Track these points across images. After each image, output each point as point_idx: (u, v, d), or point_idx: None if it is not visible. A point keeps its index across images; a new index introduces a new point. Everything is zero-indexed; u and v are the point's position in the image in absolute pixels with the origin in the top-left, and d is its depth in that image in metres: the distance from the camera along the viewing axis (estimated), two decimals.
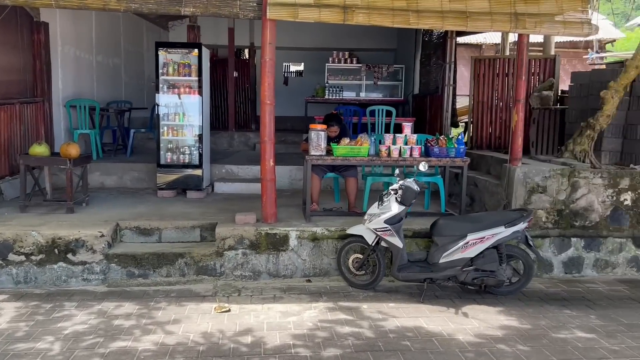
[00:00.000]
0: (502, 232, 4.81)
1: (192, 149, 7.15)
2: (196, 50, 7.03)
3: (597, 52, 13.91)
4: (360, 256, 5.19)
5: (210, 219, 5.87)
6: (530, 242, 4.95)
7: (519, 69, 5.67)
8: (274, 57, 5.38)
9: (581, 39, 10.32)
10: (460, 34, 8.74)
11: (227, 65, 11.09)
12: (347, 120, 9.09)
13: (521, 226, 4.85)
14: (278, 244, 5.38)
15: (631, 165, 6.09)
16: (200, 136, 7.08)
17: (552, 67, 8.22)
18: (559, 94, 8.28)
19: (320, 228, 5.47)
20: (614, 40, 16.61)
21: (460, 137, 5.88)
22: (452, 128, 8.55)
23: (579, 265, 5.79)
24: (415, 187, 4.86)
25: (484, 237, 4.82)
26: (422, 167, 5.08)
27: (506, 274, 4.99)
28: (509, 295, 5.05)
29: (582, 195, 5.72)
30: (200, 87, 7.03)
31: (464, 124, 9.59)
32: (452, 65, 8.31)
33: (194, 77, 7.03)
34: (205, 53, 7.21)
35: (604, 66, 11.18)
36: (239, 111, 12.12)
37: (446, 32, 8.56)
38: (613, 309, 4.79)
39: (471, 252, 4.85)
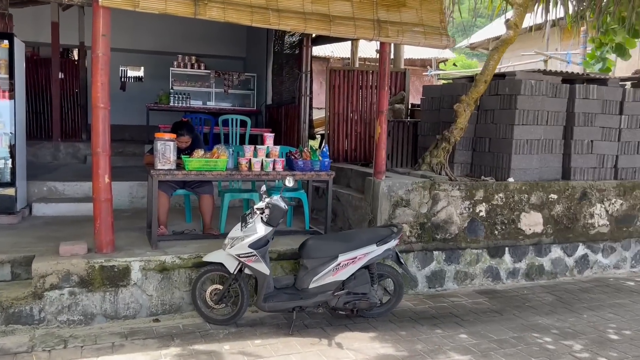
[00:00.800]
0: (374, 251, 4.49)
1: (2, 162, 5.76)
2: (6, 42, 5.69)
3: (434, 69, 14.95)
4: (220, 287, 4.47)
5: (25, 250, 4.66)
6: (401, 260, 4.71)
7: (381, 80, 5.48)
8: (109, 52, 4.44)
9: (439, 50, 10.77)
10: (316, 42, 8.50)
11: (51, 66, 9.49)
12: (197, 130, 8.25)
13: (392, 243, 4.57)
14: (117, 278, 4.42)
15: (483, 177, 6.27)
16: (12, 147, 5.74)
17: (402, 80, 8.37)
18: (409, 107, 8.45)
19: (170, 256, 4.62)
20: (447, 60, 18.15)
21: (324, 149, 5.50)
22: (310, 140, 8.23)
23: (441, 278, 5.75)
24: (283, 205, 4.31)
25: (355, 257, 4.44)
26: (289, 182, 4.56)
27: (378, 295, 4.68)
28: (380, 317, 4.75)
29: (442, 207, 5.70)
30: (12, 88, 5.69)
31: (319, 135, 9.36)
32: (309, 75, 8.01)
33: (4, 75, 5.69)
34: (19, 47, 5.90)
35: (440, 82, 11.93)
36: (66, 118, 10.47)
37: (301, 40, 8.24)
38: (481, 325, 4.73)
39: (343, 275, 4.44)
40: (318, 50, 15.45)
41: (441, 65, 17.55)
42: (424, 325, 4.66)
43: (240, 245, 4.24)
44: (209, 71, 10.91)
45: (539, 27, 9.61)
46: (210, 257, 4.45)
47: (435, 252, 5.70)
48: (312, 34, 8.14)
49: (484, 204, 5.88)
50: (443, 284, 5.75)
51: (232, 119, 8.01)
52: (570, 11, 7.41)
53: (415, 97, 11.28)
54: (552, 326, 4.73)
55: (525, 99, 6.09)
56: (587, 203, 6.40)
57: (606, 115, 6.62)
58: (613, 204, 6.56)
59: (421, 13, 5.37)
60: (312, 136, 8.42)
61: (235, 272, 4.34)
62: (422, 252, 5.63)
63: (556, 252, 6.31)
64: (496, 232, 5.97)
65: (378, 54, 5.54)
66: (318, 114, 10.18)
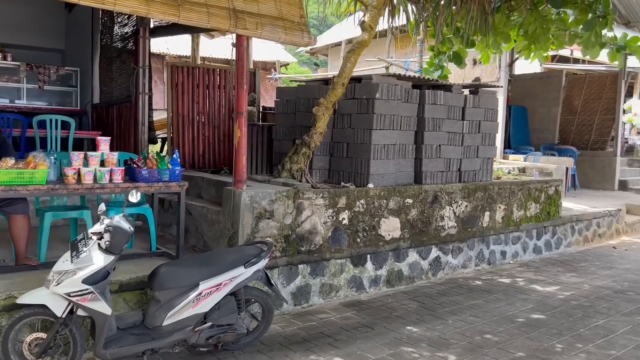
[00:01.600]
0: (242, 274, 3.87)
1: None
2: None
3: (278, 73, 14.70)
4: (44, 335, 3.46)
5: None
6: (272, 281, 4.16)
7: (239, 77, 4.87)
8: None
9: (283, 52, 10.37)
10: (154, 34, 7.53)
11: None
12: (4, 134, 6.73)
13: (262, 264, 4.01)
14: None
15: (342, 183, 6.03)
16: None
17: (252, 81, 7.84)
18: (261, 110, 7.95)
19: None
20: (288, 64, 18.09)
21: (175, 155, 4.70)
22: (150, 144, 7.25)
23: (307, 294, 5.34)
24: (128, 227, 3.46)
25: (220, 284, 3.78)
26: (134, 197, 3.70)
27: (245, 323, 4.07)
28: (247, 347, 4.15)
29: (307, 217, 5.30)
30: None
31: (161, 140, 8.37)
32: (147, 70, 7.03)
33: None
34: None
35: (282, 85, 11.68)
36: None
37: (136, 31, 7.22)
38: (355, 343, 4.40)
39: (205, 305, 3.74)
40: (152, 46, 14.17)
41: (283, 69, 17.47)
42: (297, 351, 4.18)
43: (71, 280, 3.30)
44: (17, 63, 9.13)
45: (383, 34, 9.88)
46: (29, 298, 3.41)
47: (301, 266, 5.27)
48: (149, 24, 7.18)
49: (346, 211, 5.62)
50: (309, 299, 5.35)
51: (50, 120, 6.69)
52: (412, 19, 7.62)
53: (264, 100, 10.84)
54: (424, 337, 4.60)
55: (382, 103, 5.99)
56: (438, 206, 6.55)
57: (451, 120, 6.87)
58: (459, 206, 6.82)
59: (280, 6, 4.89)
60: (152, 140, 7.45)
61: (64, 315, 3.38)
62: (287, 266, 5.16)
63: (413, 256, 6.33)
64: (358, 239, 5.76)
65: (234, 48, 4.93)
66: (157, 116, 9.15)
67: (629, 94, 14.23)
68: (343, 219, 5.60)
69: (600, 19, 6.75)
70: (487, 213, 7.20)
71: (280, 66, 15.98)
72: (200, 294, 3.69)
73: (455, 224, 6.79)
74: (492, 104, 7.42)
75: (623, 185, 12.51)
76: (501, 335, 4.70)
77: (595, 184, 12.61)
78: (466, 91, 7.44)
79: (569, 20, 7.49)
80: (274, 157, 6.85)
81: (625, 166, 13.32)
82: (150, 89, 7.18)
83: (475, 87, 7.51)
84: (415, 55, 11.41)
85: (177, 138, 7.08)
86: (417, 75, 7.22)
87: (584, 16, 6.89)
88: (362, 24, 6.13)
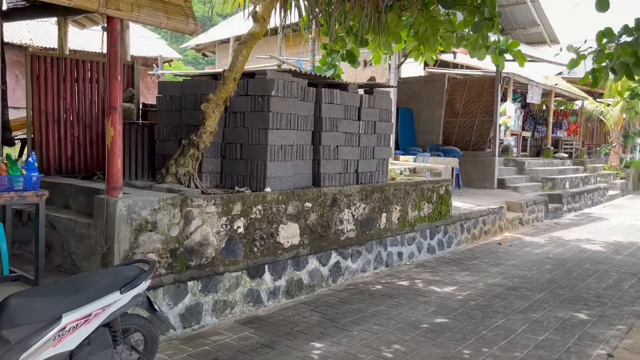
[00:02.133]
0: (117, 302, 3.21)
1: None
2: None
3: (161, 69, 13.66)
4: None
5: None
6: (156, 306, 3.54)
7: (111, 66, 4.15)
8: None
9: (165, 47, 9.49)
10: (7, 17, 6.41)
11: None
12: None
13: (143, 286, 3.38)
14: None
15: (237, 188, 5.51)
16: None
17: (130, 75, 7.01)
18: (141, 108, 7.15)
19: None
20: (172, 60, 16.99)
21: (30, 159, 3.88)
22: (6, 147, 6.15)
23: (198, 314, 4.75)
24: None
25: (90, 315, 3.09)
26: None
27: (123, 357, 3.41)
28: None
29: (197, 227, 4.71)
30: None
31: (19, 141, 7.20)
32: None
33: None
34: None
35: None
36: None
37: None
38: None
39: (71, 342, 3.05)
40: (11, 36, 12.50)
41: (166, 66, 16.36)
42: None
43: None
44: None
45: (274, 33, 9.46)
46: None
47: (190, 283, 4.67)
48: (1, 5, 6.09)
49: (242, 218, 5.11)
50: (200, 319, 4.76)
51: None
52: (304, 15, 7.30)
53: (145, 97, 9.90)
54: (329, 354, 4.24)
55: (278, 101, 5.57)
56: (337, 209, 6.27)
57: (348, 120, 6.63)
58: (358, 208, 6.60)
59: None
60: (8, 142, 6.34)
61: None
62: (174, 285, 4.53)
63: (313, 263, 5.98)
64: (255, 249, 5.27)
65: (104, 33, 4.20)
66: (18, 114, 7.93)
67: (504, 98, 15.20)
68: (238, 227, 5.08)
69: (487, 21, 6.90)
70: (384, 215, 7.07)
71: (163, 62, 14.94)
72: (63, 329, 2.99)
73: (354, 227, 6.55)
74: (386, 105, 7.32)
75: (501, 184, 13.29)
76: (408, 344, 4.49)
77: (477, 182, 13.25)
78: (361, 91, 7.27)
79: (457, 22, 7.61)
80: (157, 160, 6.12)
81: (502, 165, 14.19)
82: (4, 82, 6.09)
83: (371, 87, 7.37)
84: (307, 54, 11.16)
85: (39, 139, 6.08)
86: (314, 72, 6.89)
87: (472, 17, 7.01)
88: (254, 15, 5.66)
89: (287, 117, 5.68)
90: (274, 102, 5.50)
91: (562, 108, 22.43)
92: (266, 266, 5.40)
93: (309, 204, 5.86)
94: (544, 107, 20.32)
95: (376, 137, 7.09)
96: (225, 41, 14.28)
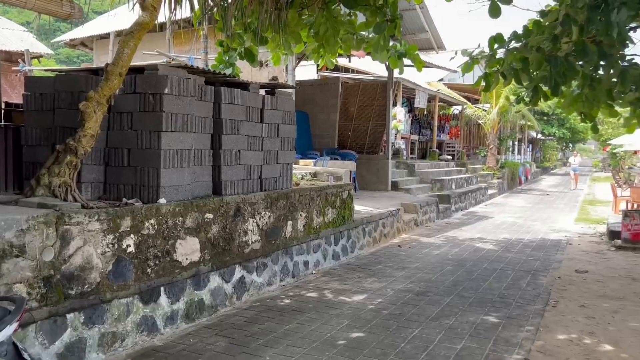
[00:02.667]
0: None
1: None
2: None
3: (28, 64, 12.04)
4: None
5: None
6: (25, 355, 2.80)
7: None
8: None
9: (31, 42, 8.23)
10: None
11: None
12: None
13: (7, 332, 2.64)
14: None
15: (125, 200, 4.78)
16: None
17: None
18: (3, 107, 6.07)
19: None
20: (41, 56, 15.16)
21: None
22: None
23: (81, 351, 3.98)
24: None
25: None
26: None
27: None
28: None
29: (77, 248, 3.96)
30: None
31: None
32: None
33: None
34: None
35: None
36: None
37: None
38: None
39: None
40: None
41: (34, 62, 14.54)
42: None
43: None
44: None
45: (161, 27, 8.67)
46: None
47: (70, 315, 3.90)
48: None
49: (132, 235, 4.42)
50: (84, 357, 4.00)
51: None
52: (197, 8, 6.69)
53: (9, 96, 8.57)
54: None
55: (172, 100, 4.94)
56: (241, 219, 5.75)
57: (250, 122, 6.15)
58: (263, 217, 6.14)
59: None
60: None
61: None
62: (50, 319, 3.75)
63: (215, 280, 5.41)
64: (149, 270, 4.60)
65: None
66: None
67: (394, 103, 15.57)
68: (128, 245, 4.38)
69: (390, 23, 6.80)
70: (289, 222, 6.67)
71: (32, 58, 13.21)
72: None
73: (260, 238, 6.08)
74: (289, 106, 6.95)
75: (395, 186, 13.54)
76: None
77: (372, 185, 13.38)
78: (262, 91, 6.82)
79: (358, 24, 7.45)
80: (25, 169, 5.17)
81: (394, 168, 14.49)
82: None
83: (272, 87, 6.95)
84: (200, 52, 10.43)
85: None
86: (210, 69, 6.30)
87: (374, 18, 6.86)
88: (142, 3, 4.97)
89: (183, 118, 5.07)
90: (167, 101, 4.87)
91: (443, 113, 23.72)
92: (162, 288, 4.74)
93: (209, 215, 5.28)
94: (425, 112, 21.27)
95: (280, 141, 6.67)
96: (105, 36, 13.01)
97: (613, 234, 10.27)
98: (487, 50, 7.32)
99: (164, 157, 4.85)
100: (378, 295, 6.10)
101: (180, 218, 4.92)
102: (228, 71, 7.77)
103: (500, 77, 7.25)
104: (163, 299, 4.76)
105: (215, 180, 5.68)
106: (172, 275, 4.85)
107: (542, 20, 6.88)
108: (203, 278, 5.24)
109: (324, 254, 7.56)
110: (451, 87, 22.66)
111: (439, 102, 20.56)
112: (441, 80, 22.93)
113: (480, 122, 23.37)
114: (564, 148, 53.23)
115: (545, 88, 7.52)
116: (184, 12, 6.49)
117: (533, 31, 6.93)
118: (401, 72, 8.37)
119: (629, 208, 14.12)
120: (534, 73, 7.47)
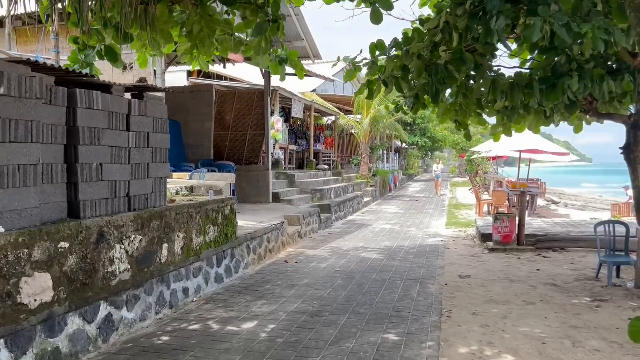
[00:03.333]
0: None
1: None
2: None
3: None
4: None
5: None
6: None
7: None
8: None
9: None
10: None
11: None
12: None
13: None
14: None
15: None
16: None
17: None
18: None
19: None
20: None
21: None
22: None
23: None
24: None
25: None
26: None
27: None
28: None
29: None
30: None
31: None
32: None
33: None
34: None
35: None
36: None
37: None
38: None
39: None
40: None
41: None
42: None
43: None
44: None
45: (0, 23, 7.33)
46: None
47: None
48: None
49: None
50: None
51: None
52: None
53: None
54: None
55: (10, 103, 3.94)
56: (105, 246, 4.83)
57: (114, 131, 5.25)
58: (132, 241, 5.26)
59: None
60: None
61: None
62: None
63: (74, 322, 4.44)
64: None
65: None
66: None
67: (272, 112, 15.15)
68: None
69: (271, 23, 6.31)
70: (165, 245, 5.84)
71: None
72: None
73: (129, 266, 5.19)
74: (160, 113, 6.13)
75: (276, 197, 13.08)
76: None
77: (252, 197, 12.78)
78: (128, 95, 5.93)
79: (236, 24, 6.86)
80: None
81: (274, 179, 14.04)
82: None
83: (140, 90, 6.08)
84: (50, 51, 9.05)
85: None
86: (61, 66, 5.27)
87: (254, 17, 6.33)
88: None
89: (26, 125, 4.08)
90: (4, 104, 3.86)
91: (317, 123, 23.91)
92: (2, 341, 3.72)
93: (65, 244, 4.32)
94: (299, 122, 21.21)
95: (151, 152, 5.83)
96: None
97: (484, 237, 10.79)
98: (369, 57, 7.15)
99: (1, 174, 3.83)
100: (270, 321, 5.52)
101: (26, 250, 3.92)
102: (85, 72, 6.72)
103: (382, 85, 7.14)
104: (3, 354, 3.73)
105: (72, 201, 4.70)
106: (16, 323, 3.83)
107: (421, 27, 6.86)
108: (58, 321, 4.25)
109: (206, 278, 6.80)
110: (324, 97, 22.90)
111: (314, 112, 20.61)
112: (314, 90, 23.10)
113: (352, 131, 23.91)
114: (424, 156, 57.11)
115: (425, 96, 7.56)
116: (29, 5, 5.41)
117: (414, 38, 6.90)
118: (282, 79, 7.88)
119: (491, 211, 15.16)
120: (413, 81, 7.46)
